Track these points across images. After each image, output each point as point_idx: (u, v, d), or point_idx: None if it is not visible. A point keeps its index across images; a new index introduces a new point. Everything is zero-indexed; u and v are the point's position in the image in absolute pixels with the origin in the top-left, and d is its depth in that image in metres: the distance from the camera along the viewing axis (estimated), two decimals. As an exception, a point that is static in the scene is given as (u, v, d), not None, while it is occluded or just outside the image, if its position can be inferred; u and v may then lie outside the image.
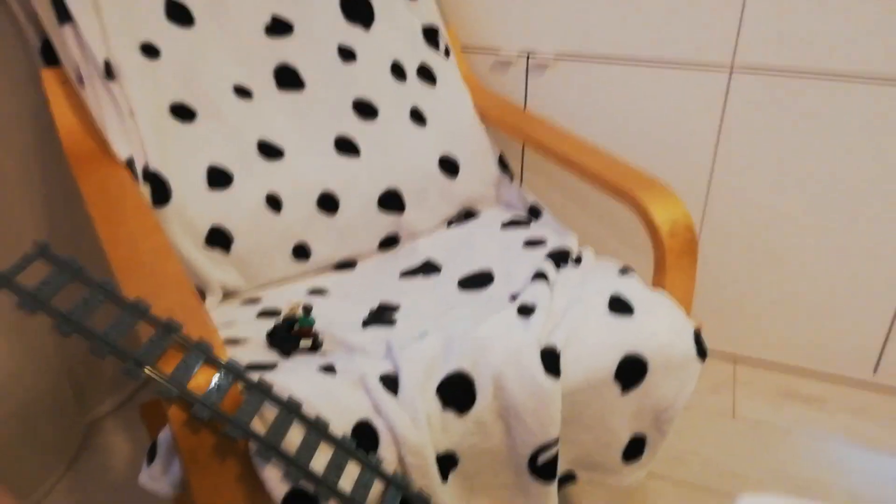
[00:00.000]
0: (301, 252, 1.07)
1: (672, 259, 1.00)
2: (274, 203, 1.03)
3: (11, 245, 1.05)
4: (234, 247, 1.00)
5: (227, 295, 1.04)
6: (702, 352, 0.88)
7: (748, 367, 1.47)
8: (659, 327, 0.87)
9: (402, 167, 1.15)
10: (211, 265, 0.99)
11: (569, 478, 0.91)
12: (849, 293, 1.34)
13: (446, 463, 0.78)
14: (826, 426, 1.31)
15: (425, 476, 0.73)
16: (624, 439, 0.90)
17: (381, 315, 0.94)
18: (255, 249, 1.02)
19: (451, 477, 0.79)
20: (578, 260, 1.01)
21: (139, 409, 1.28)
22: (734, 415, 1.34)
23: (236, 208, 1.00)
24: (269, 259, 1.04)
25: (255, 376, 0.68)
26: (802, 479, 1.18)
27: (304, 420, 0.67)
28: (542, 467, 0.80)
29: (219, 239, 0.99)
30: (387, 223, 1.14)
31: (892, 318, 1.33)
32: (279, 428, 0.65)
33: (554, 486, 0.82)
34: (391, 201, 1.13)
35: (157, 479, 0.69)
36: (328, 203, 1.08)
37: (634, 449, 0.91)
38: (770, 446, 1.26)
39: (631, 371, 0.84)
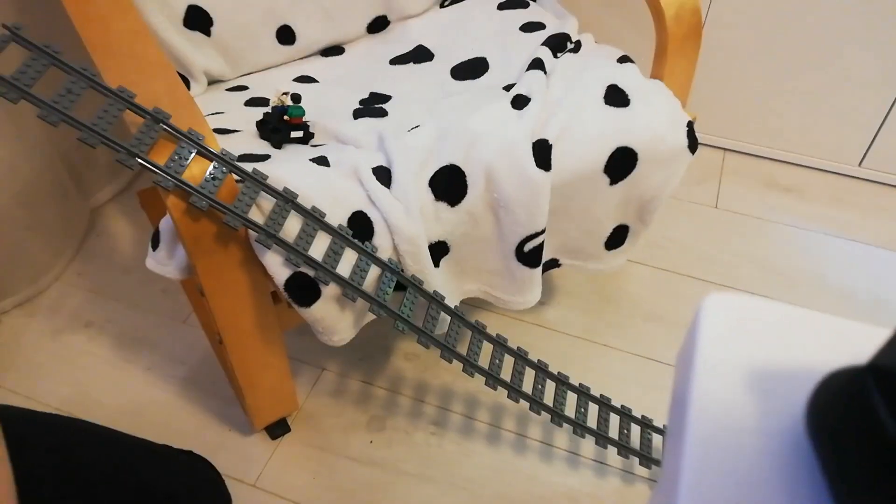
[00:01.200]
0: (286, 35, 1.02)
1: (674, 45, 0.96)
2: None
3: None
4: (214, 28, 0.95)
5: (212, 82, 1.00)
6: (693, 144, 0.89)
7: (736, 159, 1.48)
8: (653, 119, 0.86)
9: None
10: (192, 48, 0.94)
11: (553, 263, 0.97)
12: (844, 86, 1.31)
13: (438, 250, 0.82)
14: (806, 215, 1.36)
15: (418, 262, 0.77)
16: (608, 228, 0.94)
17: (373, 105, 0.93)
18: (238, 31, 0.97)
19: (442, 263, 0.83)
20: (578, 46, 0.97)
21: (137, 195, 1.31)
22: (717, 205, 1.38)
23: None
24: (252, 42, 0.99)
25: (249, 167, 0.69)
26: (775, 265, 1.26)
27: (301, 210, 0.69)
28: (529, 254, 0.85)
29: (198, 19, 0.94)
30: (375, 2, 1.07)
31: (886, 112, 1.31)
32: (277, 217, 0.68)
33: (538, 271, 0.87)
34: (378, -22, 1.05)
35: (163, 263, 0.73)
36: (311, -21, 1.01)
37: (617, 237, 0.96)
38: (748, 234, 1.32)
39: (621, 163, 0.85)
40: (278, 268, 0.69)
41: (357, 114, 0.90)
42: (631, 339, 1.13)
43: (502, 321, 1.15)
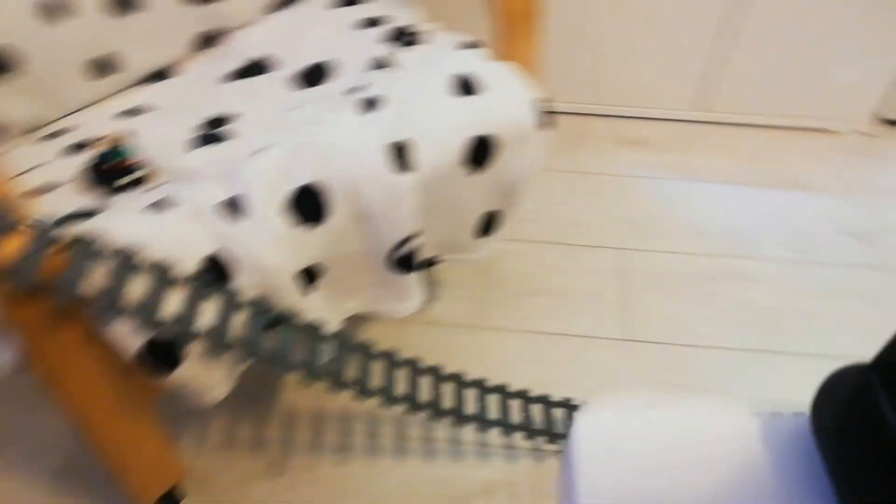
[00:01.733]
0: (103, 65, 0.92)
1: (516, 25, 0.96)
2: (51, 8, 0.86)
3: None
4: (16, 69, 0.84)
5: (28, 131, 0.89)
6: (544, 122, 0.89)
7: (587, 121, 1.53)
8: (503, 104, 0.86)
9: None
10: (-7, 97, 0.83)
11: (430, 261, 0.95)
12: (668, 33, 1.37)
13: (310, 274, 0.78)
14: (658, 165, 1.43)
15: (288, 295, 0.73)
16: (478, 217, 0.93)
17: (211, 131, 0.86)
18: (47, 69, 0.86)
19: (317, 286, 0.79)
20: (421, 38, 0.95)
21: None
22: (577, 169, 1.42)
23: (2, 22, 0.82)
24: (66, 79, 0.89)
25: (76, 227, 0.62)
26: (638, 218, 1.32)
27: (144, 266, 0.63)
28: (404, 260, 0.83)
29: (-9, 64, 0.83)
30: (198, 17, 0.99)
31: (708, 55, 1.39)
32: (117, 281, 0.61)
33: (416, 275, 0.86)
34: (197, -11, 0.97)
35: (-5, 351, 0.65)
36: (122, 0, 0.91)
37: (488, 224, 0.96)
38: (610, 193, 1.37)
39: (480, 152, 0.85)
40: (129, 338, 0.62)
41: (195, 143, 0.83)
42: (519, 317, 1.15)
43: (393, 327, 1.13)
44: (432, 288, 1.18)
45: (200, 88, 0.95)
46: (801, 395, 1.01)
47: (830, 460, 0.26)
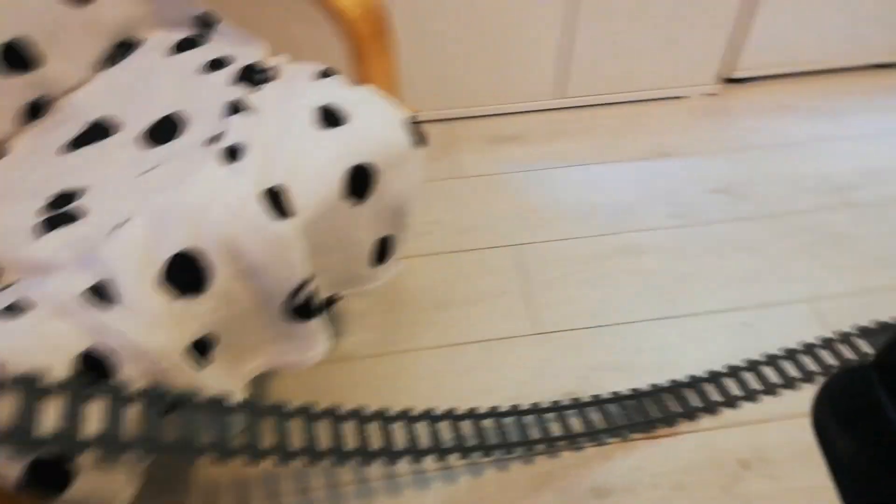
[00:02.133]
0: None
1: (370, 45, 0.94)
2: None
3: None
4: None
5: None
6: (418, 140, 0.88)
7: (460, 125, 1.54)
8: (374, 127, 0.84)
9: (14, 6, 0.87)
10: None
11: (331, 301, 0.92)
12: (517, 27, 1.40)
13: (203, 346, 0.72)
14: (534, 157, 1.46)
15: (182, 374, 0.67)
16: (371, 247, 0.91)
17: (59, 209, 0.78)
18: None
19: (211, 358, 0.74)
20: (273, 73, 0.91)
21: None
22: (460, 174, 1.42)
23: None
24: None
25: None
26: (526, 211, 1.34)
27: (9, 382, 0.56)
28: (301, 308, 0.79)
29: None
30: (21, 86, 0.90)
31: (555, 42, 1.43)
32: (-21, 407, 0.54)
33: (318, 321, 0.82)
34: (13, 56, 0.88)
35: None
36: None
37: (382, 251, 0.93)
38: (494, 192, 1.38)
39: (360, 181, 0.82)
40: (6, 466, 0.55)
41: (43, 227, 0.75)
42: (432, 333, 1.13)
43: (305, 375, 1.07)
44: (337, 324, 1.14)
45: (38, 164, 0.86)
46: (711, 351, 1.06)
47: (832, 458, 0.27)
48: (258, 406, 0.74)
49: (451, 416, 0.94)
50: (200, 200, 0.71)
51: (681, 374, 1.06)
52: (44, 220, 0.76)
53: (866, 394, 0.26)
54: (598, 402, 1.01)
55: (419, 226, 1.31)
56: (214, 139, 0.81)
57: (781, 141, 1.48)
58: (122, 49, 1.00)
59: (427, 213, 1.33)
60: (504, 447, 0.94)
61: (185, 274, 0.68)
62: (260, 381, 1.04)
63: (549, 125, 1.53)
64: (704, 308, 1.16)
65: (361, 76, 0.94)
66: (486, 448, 0.93)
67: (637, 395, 1.02)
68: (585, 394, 1.03)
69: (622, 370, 1.07)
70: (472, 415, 0.96)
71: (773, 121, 1.53)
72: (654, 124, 1.52)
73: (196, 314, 0.70)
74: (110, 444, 0.59)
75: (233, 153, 0.76)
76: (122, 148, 0.87)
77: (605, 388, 1.04)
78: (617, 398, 1.02)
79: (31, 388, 0.56)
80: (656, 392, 1.03)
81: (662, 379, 1.05)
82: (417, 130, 0.88)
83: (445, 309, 1.17)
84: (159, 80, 0.94)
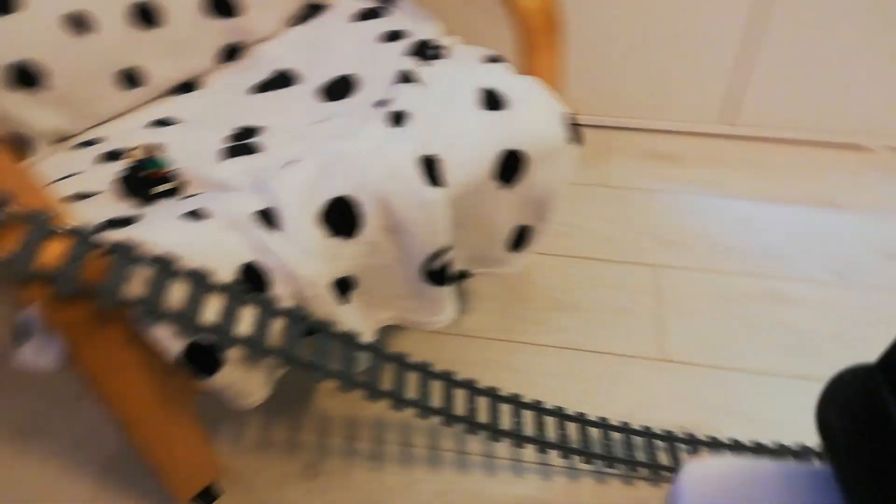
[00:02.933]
0: (131, 77, 0.93)
1: (540, 38, 0.95)
2: (78, 23, 0.86)
3: None
4: (46, 82, 0.85)
5: (58, 140, 0.90)
6: (574, 136, 0.89)
7: (618, 135, 1.52)
8: (532, 118, 0.85)
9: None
10: (25, 109, 0.84)
11: (462, 275, 0.94)
12: (694, 45, 1.36)
13: (345, 285, 0.77)
14: (689, 180, 1.41)
15: (324, 304, 0.72)
16: (509, 231, 0.92)
17: (242, 142, 0.86)
18: (75, 82, 0.87)
19: (352, 297, 0.78)
20: (444, 52, 0.95)
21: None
22: (609, 183, 1.41)
23: (31, 36, 0.83)
24: (94, 91, 0.90)
25: (117, 235, 0.61)
26: (671, 234, 1.30)
27: (184, 273, 0.62)
28: (436, 273, 0.81)
29: (24, 76, 0.83)
30: (221, 30, 1.00)
31: (731, 67, 1.38)
32: (158, 287, 0.61)
33: (448, 288, 0.85)
34: (221, 3, 0.98)
35: (36, 356, 0.64)
36: (145, 14, 0.92)
37: (519, 239, 0.94)
38: (641, 207, 1.35)
39: (510, 166, 0.84)
40: (170, 342, 0.62)
41: (226, 153, 0.83)
42: (550, 332, 1.13)
43: (425, 338, 1.11)
44: (464, 301, 1.17)
45: (227, 100, 0.96)
46: None
47: (836, 459, 0.26)
48: (383, 351, 0.77)
49: (561, 413, 0.93)
50: (364, 155, 0.76)
51: (809, 440, 0.98)
52: (227, 148, 0.85)
53: (870, 394, 0.25)
54: (714, 443, 0.95)
55: (558, 225, 1.30)
56: (383, 103, 0.86)
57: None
58: (312, 10, 1.08)
59: (569, 215, 1.33)
60: (605, 459, 0.92)
61: (341, 217, 0.73)
62: (386, 332, 1.09)
63: (710, 151, 1.48)
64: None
65: (528, 67, 0.96)
66: (587, 455, 0.92)
67: (759, 448, 0.95)
68: (701, 432, 0.98)
69: (745, 419, 1.01)
70: (580, 419, 0.94)
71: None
72: (826, 170, 1.43)
73: (344, 255, 0.74)
74: (255, 346, 0.65)
75: (398, 118, 0.80)
76: (300, 98, 0.94)
77: (723, 433, 0.98)
78: (736, 445, 0.95)
79: (199, 282, 0.63)
80: (782, 451, 0.95)
81: (788, 439, 0.97)
82: (574, 128, 0.89)
83: (569, 311, 1.16)
84: (341, 42, 1.01)
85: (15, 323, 0.65)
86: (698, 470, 0.33)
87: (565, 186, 0.91)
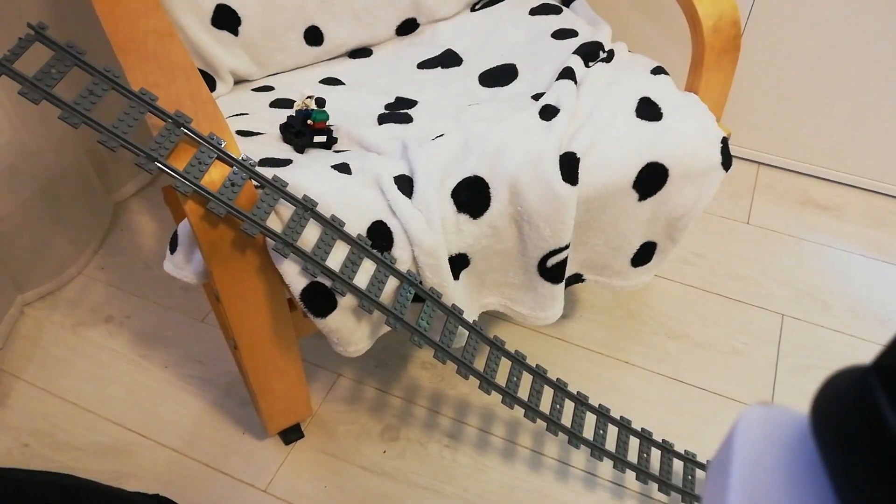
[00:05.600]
0: (314, 36, 1.01)
1: (711, 58, 0.93)
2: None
3: (12, 23, 1.00)
4: (242, 28, 0.94)
5: (238, 82, 1.00)
6: (727, 162, 0.86)
7: (770, 174, 1.44)
8: (686, 134, 0.83)
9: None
10: (220, 48, 0.94)
11: (576, 278, 0.94)
12: (886, 103, 1.26)
13: (458, 262, 0.80)
14: (842, 235, 1.31)
15: (437, 275, 0.75)
16: (635, 245, 0.91)
17: (398, 110, 0.91)
18: (266, 31, 0.96)
19: (462, 275, 0.81)
20: (610, 56, 0.95)
21: (162, 191, 1.31)
22: (748, 221, 1.34)
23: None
24: (280, 42, 0.98)
25: (269, 173, 0.68)
26: (808, 286, 1.22)
27: (320, 218, 0.68)
28: (552, 269, 0.82)
29: (226, 18, 0.93)
30: (405, 4, 1.05)
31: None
32: (295, 225, 0.66)
33: (561, 287, 0.85)
34: (409, -21, 1.04)
35: (181, 267, 0.72)
36: (339, -20, 0.99)
37: (644, 254, 0.93)
38: (780, 253, 1.28)
39: (651, 179, 0.83)
40: (295, 277, 0.67)
41: (382, 119, 0.89)
42: (655, 358, 1.10)
43: (522, 333, 1.13)
44: (571, 304, 1.17)
45: (397, 69, 1.01)
46: None
47: (830, 463, 0.26)
48: (482, 333, 0.79)
49: (648, 438, 0.91)
50: (507, 140, 0.78)
51: None
52: (383, 114, 0.90)
53: (864, 395, 0.25)
54: None
55: (686, 253, 1.27)
56: (538, 95, 0.88)
57: None
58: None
59: (699, 245, 1.28)
60: (688, 496, 0.89)
61: (472, 195, 0.76)
62: (488, 319, 1.12)
63: (873, 209, 1.36)
64: None
65: (693, 84, 0.94)
66: (667, 485, 0.90)
67: None
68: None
69: None
70: (667, 448, 0.92)
71: None
72: None
73: (467, 232, 0.77)
74: (367, 299, 0.69)
75: (551, 112, 0.82)
76: (461, 78, 0.98)
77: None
78: None
79: (332, 228, 0.68)
80: None
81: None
82: (726, 152, 0.86)
83: (676, 340, 1.13)
84: (511, 32, 1.04)
85: (172, 234, 0.74)
86: (758, 413, 0.33)
87: (703, 211, 0.89)
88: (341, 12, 1.01)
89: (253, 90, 0.98)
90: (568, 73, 0.88)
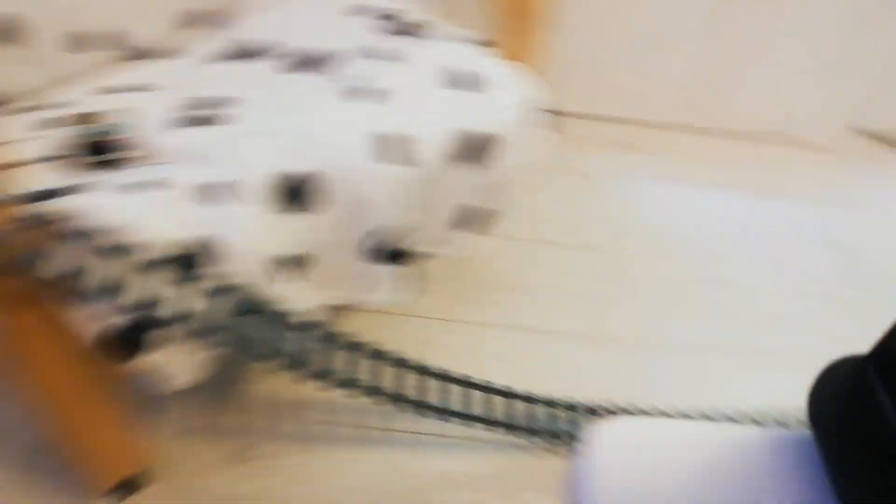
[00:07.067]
0: (78, 40, 0.91)
1: (522, 21, 0.94)
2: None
3: None
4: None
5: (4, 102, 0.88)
6: (547, 124, 0.89)
7: (580, 123, 1.53)
8: (503, 101, 0.85)
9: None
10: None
11: (414, 254, 0.96)
12: (656, 39, 1.38)
13: (293, 262, 0.78)
14: (648, 169, 1.44)
15: (273, 280, 0.73)
16: (465, 212, 0.93)
17: (199, 111, 0.85)
18: (22, 40, 0.85)
19: (299, 275, 0.79)
20: (418, 28, 0.94)
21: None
22: (562, 168, 1.43)
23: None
24: (40, 52, 0.87)
25: (52, 204, 0.62)
26: (626, 221, 1.33)
27: (117, 249, 0.63)
28: (385, 252, 0.83)
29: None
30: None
31: (691, 62, 1.40)
32: (86, 263, 0.61)
33: (399, 268, 0.86)
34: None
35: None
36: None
37: (474, 220, 0.96)
38: (600, 194, 1.38)
39: (473, 148, 0.84)
40: (98, 320, 0.63)
41: (183, 123, 0.83)
42: (496, 313, 1.16)
43: (371, 317, 1.12)
44: (414, 281, 1.19)
45: (191, 67, 0.94)
46: (774, 391, 1.01)
47: (827, 452, 0.26)
48: (316, 330, 0.79)
49: (487, 387, 0.95)
50: (323, 131, 0.76)
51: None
52: (185, 117, 0.84)
53: (860, 385, 0.26)
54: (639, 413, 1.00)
55: (514, 209, 1.33)
56: (354, 78, 0.85)
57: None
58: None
59: (526, 200, 1.34)
60: (532, 432, 0.96)
61: (295, 192, 0.73)
62: (333, 314, 1.11)
63: (667, 141, 1.51)
64: (775, 349, 1.13)
65: (509, 52, 0.94)
66: (516, 428, 0.95)
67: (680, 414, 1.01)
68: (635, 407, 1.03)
69: (678, 394, 1.06)
70: (508, 392, 0.97)
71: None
72: (774, 163, 1.48)
73: (295, 231, 0.75)
74: (186, 326, 0.66)
75: (367, 94, 0.80)
76: (262, 70, 0.93)
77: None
78: (661, 413, 1.01)
79: (134, 257, 0.63)
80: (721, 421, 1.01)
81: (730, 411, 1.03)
82: (549, 116, 0.89)
83: (515, 293, 1.19)
84: (319, 17, 0.99)
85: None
86: (611, 429, 0.33)
87: (527, 172, 0.92)
88: (118, 10, 0.90)
89: (22, 111, 0.87)
90: (382, 54, 0.86)
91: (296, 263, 0.78)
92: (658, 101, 1.49)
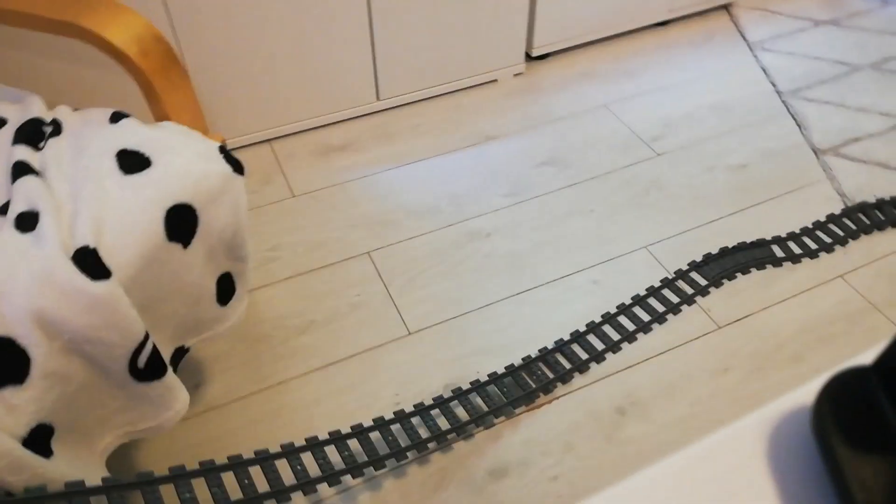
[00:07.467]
0: None
1: (161, 80, 0.89)
2: None
3: None
4: None
5: None
6: (237, 166, 0.85)
7: (284, 143, 1.50)
8: (184, 164, 0.79)
9: None
10: None
11: (181, 352, 0.86)
12: (327, 34, 1.40)
13: (42, 434, 0.64)
14: (368, 162, 1.45)
15: (24, 469, 0.59)
16: (212, 286, 0.86)
17: None
18: None
19: (55, 444, 0.66)
20: (58, 127, 0.83)
21: None
22: (293, 193, 1.39)
23: None
24: None
25: None
26: (372, 217, 1.33)
27: None
28: (146, 369, 0.73)
29: None
30: None
31: (367, 47, 1.45)
32: None
33: (170, 377, 0.76)
34: None
35: None
36: None
37: (227, 288, 0.88)
38: (336, 203, 1.36)
39: (180, 223, 0.77)
40: None
41: None
42: (303, 359, 1.09)
43: (174, 436, 1.00)
44: (197, 374, 1.07)
45: None
46: (569, 314, 1.11)
47: (831, 463, 0.27)
48: (121, 482, 0.67)
49: (335, 438, 0.91)
50: (1, 276, 0.63)
51: (547, 342, 1.10)
52: None
53: (865, 396, 0.27)
54: (477, 387, 1.02)
55: (262, 254, 1.26)
56: (3, 208, 0.73)
57: (589, 106, 1.59)
58: None
59: (268, 240, 1.29)
60: (395, 455, 0.93)
61: (2, 362, 0.61)
62: (126, 454, 0.96)
63: (375, 129, 1.54)
64: (555, 275, 1.22)
65: (159, 113, 0.89)
66: (376, 462, 0.92)
67: (511, 371, 1.05)
68: (464, 382, 1.05)
69: (493, 352, 1.10)
70: (357, 432, 0.93)
71: (577, 89, 1.64)
72: (473, 111, 1.58)
73: (22, 403, 0.62)
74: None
75: (28, 219, 0.69)
76: None
77: (482, 372, 1.06)
78: (494, 379, 1.04)
79: None
80: (528, 364, 1.06)
81: (532, 351, 1.09)
82: (231, 158, 0.84)
83: (309, 332, 1.13)
84: None
85: None
86: None
87: (246, 217, 0.87)
88: None
89: None
90: (23, 169, 0.74)
91: (45, 434, 0.65)
92: (350, 94, 1.50)
